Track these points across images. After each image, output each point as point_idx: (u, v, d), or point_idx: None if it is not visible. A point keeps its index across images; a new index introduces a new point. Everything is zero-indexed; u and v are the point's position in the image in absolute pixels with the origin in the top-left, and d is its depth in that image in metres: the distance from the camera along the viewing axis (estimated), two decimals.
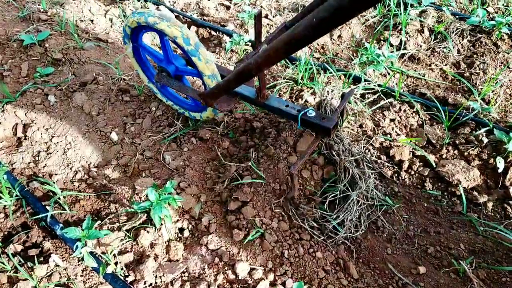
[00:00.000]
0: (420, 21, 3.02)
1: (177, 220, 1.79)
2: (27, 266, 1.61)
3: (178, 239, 1.74)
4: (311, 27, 0.99)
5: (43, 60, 2.69)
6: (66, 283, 1.55)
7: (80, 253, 1.49)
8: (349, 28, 3.12)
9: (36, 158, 2.06)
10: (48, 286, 1.53)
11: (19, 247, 1.69)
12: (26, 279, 1.54)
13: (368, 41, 2.96)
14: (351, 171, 1.76)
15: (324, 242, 1.72)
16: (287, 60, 2.75)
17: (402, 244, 1.78)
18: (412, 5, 3.15)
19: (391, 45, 2.89)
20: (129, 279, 1.56)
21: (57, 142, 2.13)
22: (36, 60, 2.69)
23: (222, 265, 1.61)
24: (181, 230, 1.77)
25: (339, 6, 0.89)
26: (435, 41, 2.94)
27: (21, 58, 2.69)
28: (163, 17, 1.79)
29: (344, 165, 1.78)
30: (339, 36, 3.08)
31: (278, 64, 2.76)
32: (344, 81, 2.50)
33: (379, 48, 2.84)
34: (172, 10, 3.27)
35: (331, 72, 2.56)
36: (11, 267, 1.62)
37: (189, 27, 3.17)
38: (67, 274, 1.59)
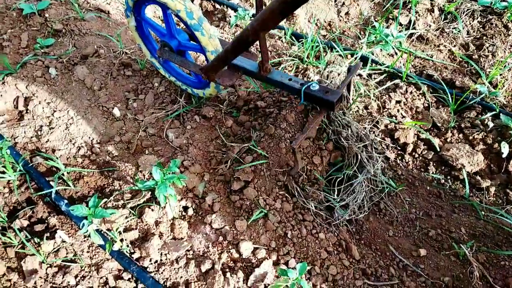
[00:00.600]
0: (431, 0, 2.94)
1: (181, 199, 1.79)
2: (33, 241, 1.62)
3: (182, 217, 1.75)
4: None
5: (43, 30, 2.61)
6: (73, 258, 1.57)
7: (87, 230, 1.50)
8: (357, 5, 3.03)
9: (39, 133, 2.04)
10: (55, 262, 1.56)
11: (25, 223, 1.71)
12: (33, 255, 1.56)
13: (376, 19, 2.89)
14: (359, 156, 1.76)
15: (327, 223, 1.74)
16: (293, 37, 2.69)
17: (404, 226, 1.80)
18: None
19: (400, 24, 2.83)
20: (135, 255, 1.59)
21: (59, 117, 2.10)
22: (36, 30, 2.62)
23: (226, 244, 1.63)
24: (185, 208, 1.79)
25: None
26: (444, 21, 2.87)
27: (21, 28, 2.62)
28: None
29: (353, 151, 1.77)
30: (347, 13, 3.00)
31: (284, 41, 2.70)
32: (351, 61, 2.45)
33: (388, 27, 2.77)
34: None
35: (338, 51, 2.51)
36: (18, 242, 1.64)
37: (192, 0, 3.07)
38: (74, 250, 1.61)
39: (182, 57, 1.97)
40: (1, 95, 2.17)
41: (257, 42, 1.45)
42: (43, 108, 2.13)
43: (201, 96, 2.17)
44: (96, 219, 1.56)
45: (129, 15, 2.04)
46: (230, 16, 2.83)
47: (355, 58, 2.43)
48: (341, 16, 3.00)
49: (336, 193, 1.79)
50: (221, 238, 1.66)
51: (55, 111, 2.12)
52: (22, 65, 2.34)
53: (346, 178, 1.81)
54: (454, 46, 2.72)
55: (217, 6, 2.99)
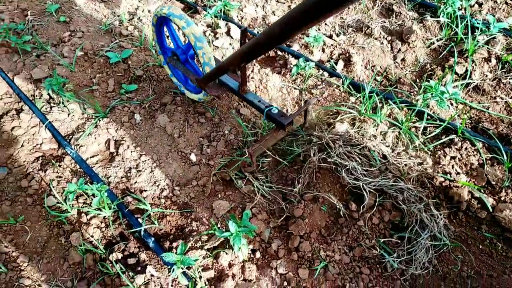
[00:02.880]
0: (488, 48, 3.00)
1: (250, 242, 2.04)
2: (127, 274, 1.93)
3: (251, 259, 2.00)
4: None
5: (126, 76, 2.99)
6: None
7: (176, 274, 1.78)
8: (413, 51, 3.16)
9: (128, 174, 2.38)
10: None
11: (120, 255, 2.03)
12: (127, 285, 1.87)
13: (432, 67, 3.00)
14: (418, 216, 1.92)
15: (382, 277, 1.90)
16: (350, 86, 2.88)
17: (455, 284, 1.92)
18: (481, 30, 3.12)
19: (456, 73, 2.92)
20: None
21: (145, 161, 2.43)
22: (120, 76, 3.00)
23: None
24: (253, 251, 2.03)
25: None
26: (502, 70, 2.92)
27: (107, 73, 3.01)
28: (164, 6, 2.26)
29: (413, 213, 1.93)
30: (403, 60, 3.14)
31: (341, 89, 2.89)
32: (407, 113, 2.59)
33: (444, 77, 2.88)
34: (239, 27, 3.46)
35: (395, 102, 2.66)
36: (114, 273, 1.95)
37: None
38: (160, 283, 1.90)
39: (184, 66, 2.42)
40: (95, 138, 2.55)
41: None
42: (131, 152, 2.47)
43: (197, 100, 2.64)
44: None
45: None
46: (291, 64, 3.06)
47: (412, 113, 2.57)
48: (397, 63, 3.14)
49: (394, 252, 1.95)
50: (285, 283, 1.88)
51: (141, 155, 2.46)
52: (111, 109, 2.72)
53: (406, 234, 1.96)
54: (511, 97, 2.78)
55: (279, 52, 3.24)
